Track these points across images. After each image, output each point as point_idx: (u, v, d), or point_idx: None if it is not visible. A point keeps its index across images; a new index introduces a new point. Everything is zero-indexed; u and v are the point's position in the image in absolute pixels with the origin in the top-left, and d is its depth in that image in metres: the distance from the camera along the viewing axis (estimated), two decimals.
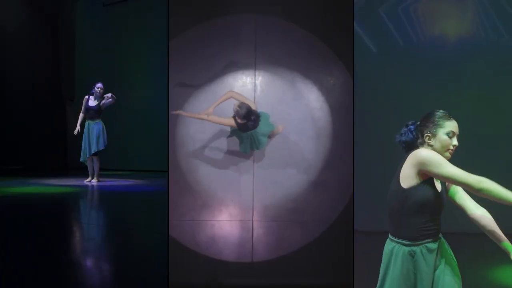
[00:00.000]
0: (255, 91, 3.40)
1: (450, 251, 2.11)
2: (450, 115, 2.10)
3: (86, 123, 7.99)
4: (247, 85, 3.40)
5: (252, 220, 3.31)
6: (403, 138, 2.13)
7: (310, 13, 3.37)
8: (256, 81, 3.40)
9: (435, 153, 2.01)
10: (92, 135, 7.85)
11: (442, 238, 2.09)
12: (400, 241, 2.04)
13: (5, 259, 3.25)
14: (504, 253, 1.99)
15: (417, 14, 4.76)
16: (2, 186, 8.05)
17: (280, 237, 3.30)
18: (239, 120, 3.22)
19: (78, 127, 7.99)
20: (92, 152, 7.86)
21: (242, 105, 3.22)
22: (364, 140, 4.12)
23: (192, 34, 3.38)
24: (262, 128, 3.31)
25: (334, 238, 3.26)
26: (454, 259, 2.11)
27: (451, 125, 2.08)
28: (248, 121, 3.22)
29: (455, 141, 2.07)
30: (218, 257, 3.24)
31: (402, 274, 2.04)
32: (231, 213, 3.33)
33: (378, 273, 2.19)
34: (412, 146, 2.10)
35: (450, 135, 2.06)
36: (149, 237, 4.04)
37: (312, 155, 3.37)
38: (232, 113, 3.27)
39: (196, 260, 3.24)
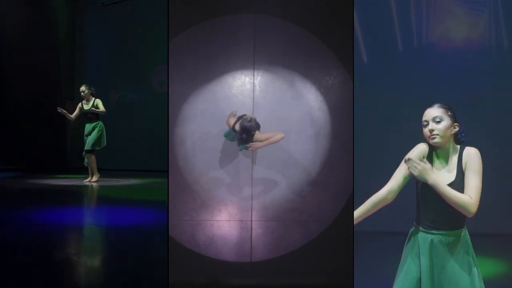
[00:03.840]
0: (254, 91, 3.40)
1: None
2: (430, 104, 2.18)
3: (86, 125, 8.06)
4: (246, 85, 3.40)
5: (251, 220, 3.31)
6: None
7: (310, 13, 3.37)
8: (255, 81, 3.40)
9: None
10: (93, 135, 7.91)
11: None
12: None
13: (5, 260, 3.25)
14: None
15: (419, 16, 4.77)
16: (2, 186, 8.06)
17: (279, 237, 3.29)
18: (237, 128, 3.24)
19: (65, 112, 7.95)
20: (86, 148, 7.90)
21: (251, 120, 3.24)
22: (363, 140, 4.12)
23: (192, 34, 3.38)
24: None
25: (333, 238, 3.26)
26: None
27: (424, 115, 2.16)
28: (246, 135, 3.24)
29: (429, 127, 2.13)
30: (217, 257, 3.24)
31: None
32: (230, 212, 3.32)
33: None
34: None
35: (424, 124, 2.16)
36: (148, 237, 4.03)
37: (311, 155, 3.37)
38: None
39: (195, 260, 3.24)
